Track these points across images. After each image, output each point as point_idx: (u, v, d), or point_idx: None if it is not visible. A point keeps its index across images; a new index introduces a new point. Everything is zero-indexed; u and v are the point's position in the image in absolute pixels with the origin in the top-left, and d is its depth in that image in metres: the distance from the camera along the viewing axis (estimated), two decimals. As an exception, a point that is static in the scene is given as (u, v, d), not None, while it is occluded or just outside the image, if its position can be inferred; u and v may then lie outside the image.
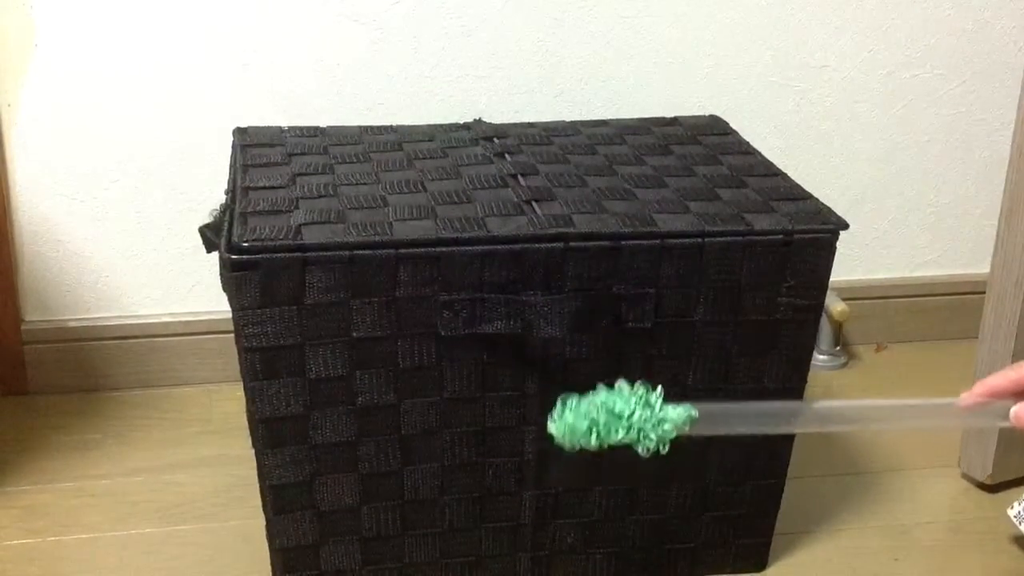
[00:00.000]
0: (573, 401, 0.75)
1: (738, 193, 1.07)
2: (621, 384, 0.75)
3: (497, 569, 1.09)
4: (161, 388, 1.45)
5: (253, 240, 0.93)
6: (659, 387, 0.74)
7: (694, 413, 0.75)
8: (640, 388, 0.74)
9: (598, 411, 0.74)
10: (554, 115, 1.42)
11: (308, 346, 0.96)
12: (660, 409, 0.74)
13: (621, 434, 0.74)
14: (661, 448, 0.74)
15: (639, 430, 0.74)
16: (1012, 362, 1.21)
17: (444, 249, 0.95)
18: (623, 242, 0.97)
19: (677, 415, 0.74)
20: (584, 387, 1.00)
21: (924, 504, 1.27)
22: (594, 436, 0.74)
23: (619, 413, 0.74)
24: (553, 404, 0.75)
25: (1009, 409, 0.76)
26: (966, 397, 0.77)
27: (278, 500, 1.02)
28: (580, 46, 1.42)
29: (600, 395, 0.75)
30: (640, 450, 0.75)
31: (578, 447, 0.75)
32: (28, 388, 1.44)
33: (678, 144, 1.20)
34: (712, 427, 0.77)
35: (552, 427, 0.75)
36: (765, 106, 1.49)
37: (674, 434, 0.74)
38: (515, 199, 1.03)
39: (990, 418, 0.77)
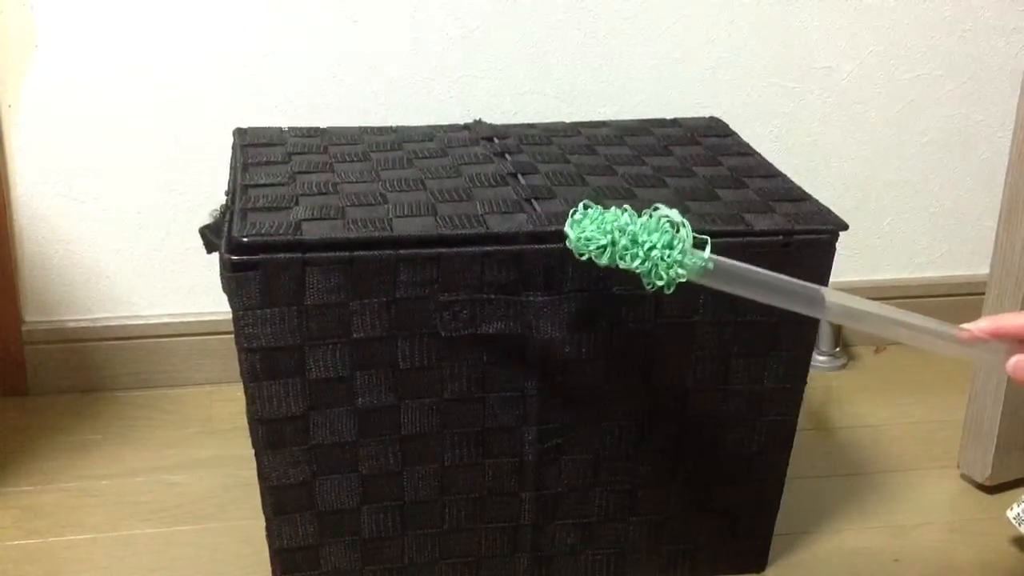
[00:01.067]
0: (597, 212, 0.72)
1: (738, 194, 1.07)
2: (651, 212, 0.73)
3: (497, 570, 1.09)
4: (161, 389, 1.46)
5: (253, 236, 0.93)
6: (688, 230, 0.72)
7: (710, 265, 0.73)
8: (667, 224, 0.72)
9: (621, 232, 0.72)
10: (554, 116, 1.42)
11: (308, 347, 0.96)
12: (680, 252, 0.72)
13: (636, 263, 0.72)
14: (666, 289, 0.73)
15: (653, 266, 0.72)
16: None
17: (444, 249, 0.95)
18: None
19: (693, 263, 0.72)
20: (584, 390, 1.01)
21: (923, 505, 1.27)
22: (607, 255, 0.72)
23: (641, 242, 0.72)
24: (572, 211, 0.72)
25: (1003, 349, 0.75)
26: (970, 327, 0.77)
27: (278, 501, 1.02)
28: (580, 47, 1.42)
29: (625, 217, 0.72)
30: (645, 283, 0.73)
31: (587, 258, 0.73)
32: (28, 389, 1.44)
33: (678, 145, 1.20)
34: (725, 283, 0.75)
35: (568, 231, 0.73)
36: (765, 107, 1.49)
37: (685, 279, 0.72)
38: (515, 197, 1.03)
39: (989, 354, 0.76)
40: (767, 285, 0.78)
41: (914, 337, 0.81)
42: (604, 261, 0.73)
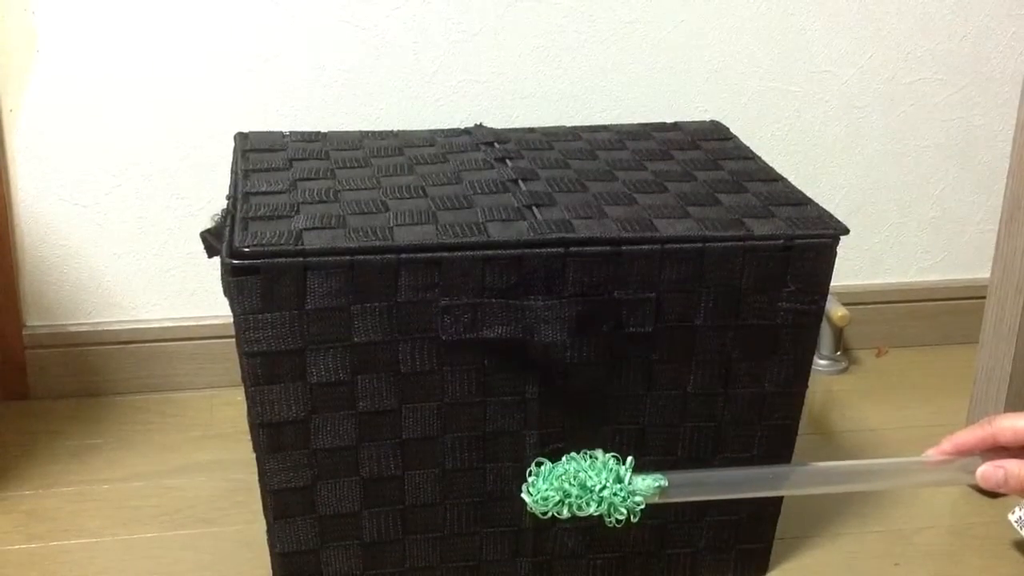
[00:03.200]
0: (546, 469, 0.76)
1: (738, 198, 1.07)
2: (593, 454, 0.76)
3: (498, 574, 1.09)
4: (162, 393, 1.46)
5: (254, 245, 0.93)
6: (629, 459, 0.75)
7: (664, 483, 0.76)
8: (611, 461, 0.75)
9: (570, 483, 0.75)
10: (555, 120, 1.42)
11: (309, 351, 0.96)
12: (630, 482, 0.75)
13: (592, 507, 0.75)
14: (632, 518, 0.75)
15: (610, 504, 0.75)
16: (1011, 367, 1.21)
17: (445, 254, 0.95)
18: (623, 247, 0.97)
19: (647, 486, 0.75)
20: (585, 394, 1.01)
21: (924, 509, 1.27)
22: (566, 508, 0.75)
23: (591, 487, 0.75)
24: (528, 471, 0.76)
25: (976, 465, 0.76)
26: (933, 453, 0.78)
27: (279, 505, 1.02)
28: (581, 51, 1.43)
29: (572, 465, 0.76)
30: (610, 522, 0.76)
31: (551, 515, 0.76)
32: (29, 393, 1.44)
33: (679, 149, 1.20)
34: (684, 494, 0.77)
35: (525, 496, 0.76)
36: (765, 111, 1.49)
37: (644, 505, 0.75)
38: (516, 204, 1.03)
39: (958, 474, 0.77)
40: (729, 481, 0.80)
41: (888, 483, 0.81)
42: (566, 513, 0.76)
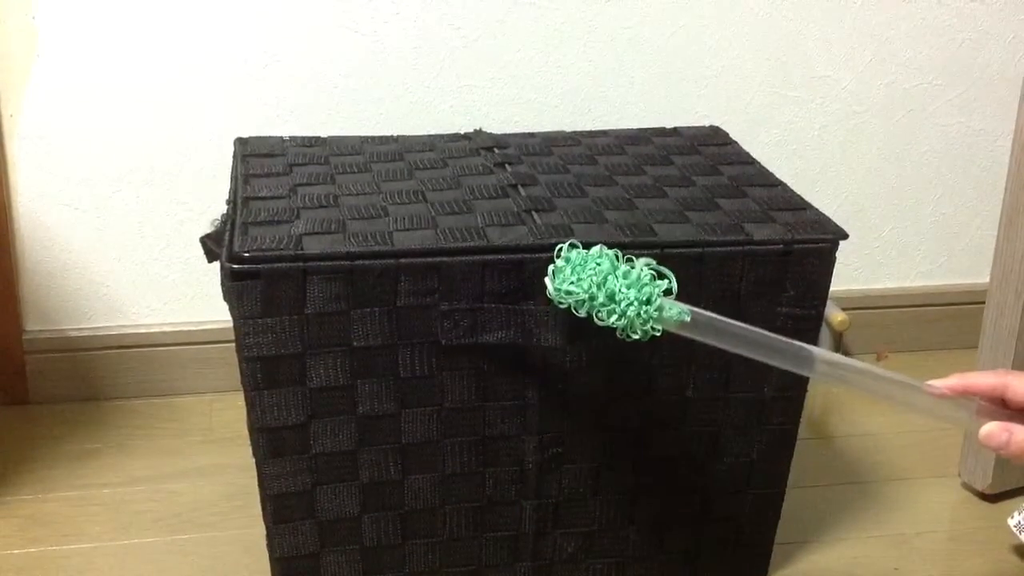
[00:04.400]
0: (578, 258, 0.72)
1: (738, 203, 1.07)
2: (628, 264, 0.72)
3: (497, 578, 1.09)
4: (162, 397, 1.46)
5: (254, 250, 0.93)
6: (665, 283, 0.73)
7: (687, 318, 0.73)
8: (648, 277, 0.72)
9: (598, 288, 0.72)
10: (554, 125, 1.42)
11: (309, 355, 0.96)
12: (656, 308, 0.73)
13: (612, 319, 0.73)
14: (641, 340, 0.73)
15: (629, 323, 0.73)
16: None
17: (445, 259, 0.95)
18: (623, 252, 0.97)
19: (670, 316, 0.73)
20: (585, 399, 1.02)
21: (924, 513, 1.27)
22: (585, 309, 0.73)
23: (618, 300, 0.72)
24: (557, 250, 0.72)
25: (977, 416, 0.75)
26: (940, 384, 0.77)
27: (278, 509, 1.02)
28: (580, 56, 1.43)
29: (604, 266, 0.72)
30: (622, 336, 0.73)
31: (566, 307, 0.73)
32: (29, 397, 1.44)
33: (678, 154, 1.20)
34: (703, 335, 0.75)
35: (548, 282, 0.73)
36: (765, 116, 1.50)
37: (660, 333, 0.73)
38: (515, 209, 1.03)
39: (959, 413, 0.77)
40: (749, 339, 0.78)
41: (897, 394, 0.81)
42: (583, 313, 0.74)
